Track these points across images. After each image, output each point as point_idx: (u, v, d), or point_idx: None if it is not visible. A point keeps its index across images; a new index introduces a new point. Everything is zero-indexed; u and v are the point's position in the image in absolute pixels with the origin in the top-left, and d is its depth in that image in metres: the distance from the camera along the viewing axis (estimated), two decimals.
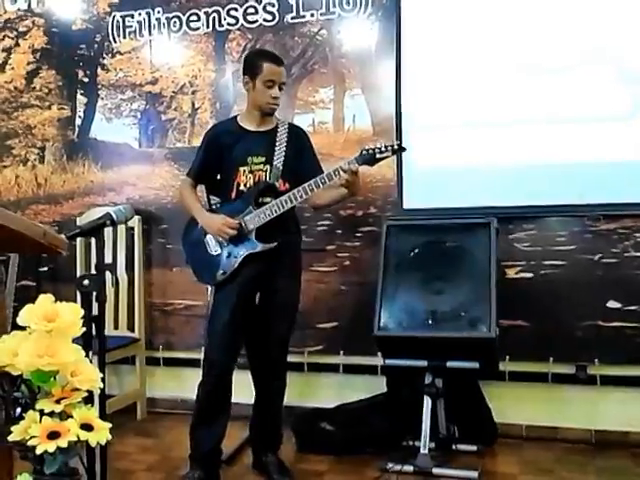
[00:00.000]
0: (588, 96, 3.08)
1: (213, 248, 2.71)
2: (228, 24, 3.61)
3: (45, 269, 3.88)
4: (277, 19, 3.52)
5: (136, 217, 3.51)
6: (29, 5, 3.98)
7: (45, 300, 1.37)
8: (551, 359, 3.13)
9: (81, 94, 3.94)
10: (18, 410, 1.42)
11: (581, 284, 3.10)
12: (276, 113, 2.76)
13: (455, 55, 3.25)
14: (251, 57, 2.79)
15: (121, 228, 3.58)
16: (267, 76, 2.62)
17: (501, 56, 3.20)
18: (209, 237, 2.72)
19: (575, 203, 3.10)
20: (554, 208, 3.15)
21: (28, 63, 4.01)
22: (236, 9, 3.59)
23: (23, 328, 1.38)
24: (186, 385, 3.45)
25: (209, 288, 2.95)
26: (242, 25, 3.59)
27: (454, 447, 2.99)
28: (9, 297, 3.29)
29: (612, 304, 3.06)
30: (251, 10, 3.56)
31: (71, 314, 1.36)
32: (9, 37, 4.04)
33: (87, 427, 1.33)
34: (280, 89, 2.66)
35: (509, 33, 3.19)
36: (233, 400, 2.73)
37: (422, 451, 2.77)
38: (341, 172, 2.52)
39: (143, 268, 3.69)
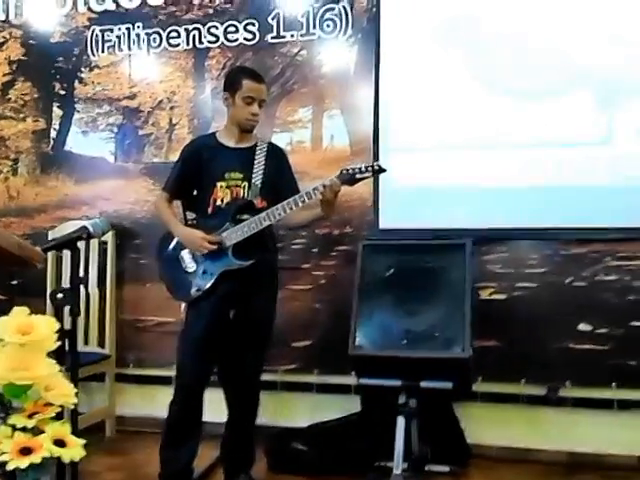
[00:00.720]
0: (563, 121, 3.14)
1: (188, 264, 2.68)
2: (208, 42, 3.63)
3: (14, 282, 3.80)
4: (257, 38, 3.55)
5: (109, 231, 3.47)
6: (7, 16, 3.95)
7: (20, 313, 1.34)
8: (523, 380, 3.16)
9: (57, 107, 3.90)
10: None
11: (552, 306, 3.14)
12: (255, 131, 2.77)
13: (433, 78, 3.30)
14: (231, 74, 2.80)
15: (93, 242, 3.54)
16: (246, 92, 2.64)
17: (479, 79, 3.26)
18: (184, 253, 2.69)
19: (547, 226, 3.16)
20: (527, 231, 3.21)
21: (4, 74, 3.97)
22: (217, 27, 3.60)
23: None
24: (157, 403, 3.38)
25: (182, 304, 2.92)
26: (222, 43, 3.61)
27: (427, 468, 2.97)
28: None
29: (583, 327, 3.11)
30: (232, 29, 3.58)
31: (46, 327, 1.34)
32: None
33: (60, 443, 1.31)
34: (260, 106, 2.67)
35: (488, 56, 3.25)
36: (204, 419, 2.70)
37: (395, 472, 2.75)
38: (320, 190, 2.52)
39: (115, 283, 3.65)
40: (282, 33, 3.51)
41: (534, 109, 3.18)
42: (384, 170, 2.56)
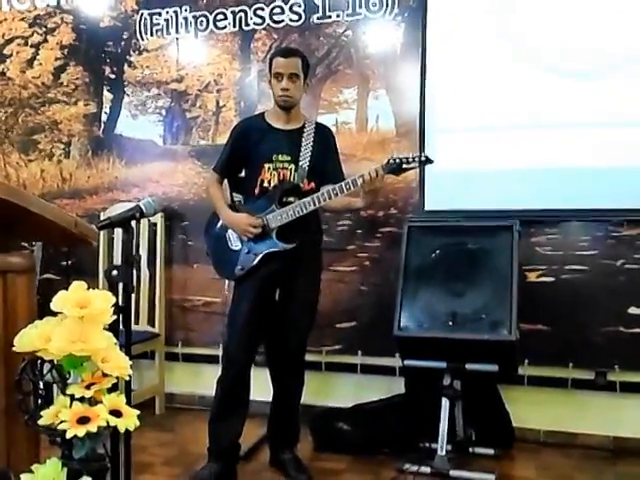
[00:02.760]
0: (614, 100, 3.06)
1: (234, 243, 2.73)
2: (254, 24, 3.64)
3: (68, 263, 3.92)
4: (303, 19, 3.54)
5: (159, 213, 3.54)
6: (58, 2, 4.03)
7: (78, 287, 1.39)
8: (571, 364, 3.11)
9: (107, 91, 3.99)
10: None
11: (602, 289, 3.08)
12: (303, 111, 2.78)
13: (480, 57, 3.25)
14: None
15: (144, 224, 3.62)
16: (275, 69, 2.66)
17: (526, 59, 3.19)
18: (230, 232, 2.74)
19: (598, 208, 3.09)
20: (576, 212, 3.14)
21: (56, 59, 4.07)
22: (262, 9, 3.61)
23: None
24: (204, 381, 3.48)
25: (226, 284, 2.97)
26: (268, 25, 3.61)
27: (471, 450, 2.98)
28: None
29: (633, 310, 3.04)
30: (277, 10, 3.58)
31: (103, 301, 1.38)
32: (38, 33, 4.10)
33: (116, 413, 1.36)
34: (291, 80, 2.64)
35: (535, 37, 3.18)
36: (252, 397, 2.75)
37: (439, 453, 2.76)
38: (366, 178, 2.52)
39: (164, 264, 3.73)
40: (328, 13, 3.50)
41: (582, 89, 3.10)
42: (431, 161, 2.55)
